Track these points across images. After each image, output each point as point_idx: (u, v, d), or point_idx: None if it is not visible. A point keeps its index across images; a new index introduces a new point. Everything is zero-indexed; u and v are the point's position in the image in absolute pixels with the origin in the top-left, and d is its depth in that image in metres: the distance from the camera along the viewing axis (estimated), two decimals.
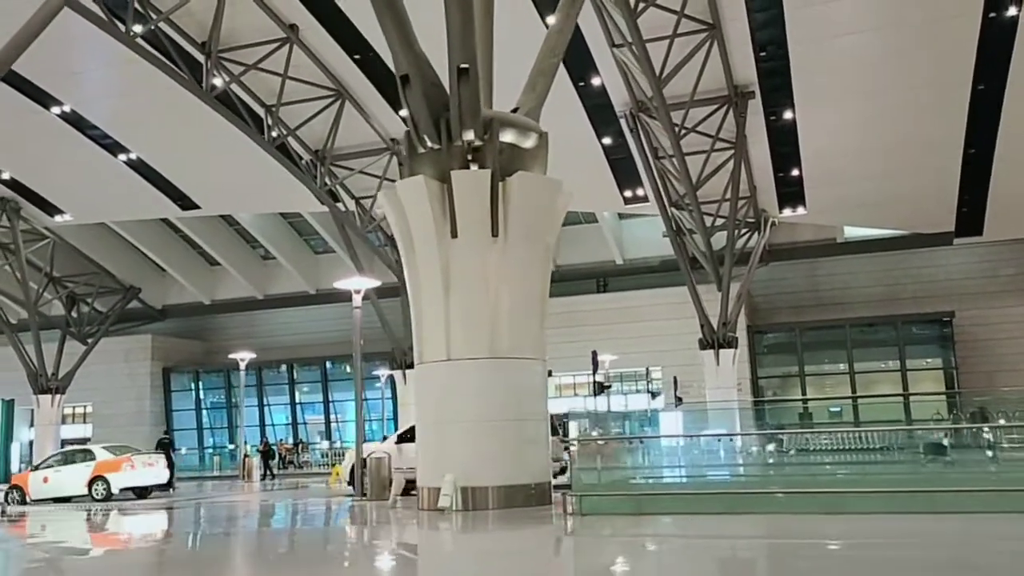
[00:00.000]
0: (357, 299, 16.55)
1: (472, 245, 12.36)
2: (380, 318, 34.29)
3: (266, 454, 32.06)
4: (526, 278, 12.53)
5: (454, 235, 12.30)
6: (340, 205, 31.39)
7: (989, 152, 27.80)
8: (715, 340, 29.70)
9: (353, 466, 17.53)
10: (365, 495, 15.75)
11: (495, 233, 12.21)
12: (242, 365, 30.07)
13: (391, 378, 39.37)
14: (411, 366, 34.61)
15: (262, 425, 43.63)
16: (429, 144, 12.50)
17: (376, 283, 17.54)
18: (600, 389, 21.81)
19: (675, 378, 27.18)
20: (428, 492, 12.52)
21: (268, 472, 31.45)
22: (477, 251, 12.36)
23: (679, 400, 25.22)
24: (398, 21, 11.98)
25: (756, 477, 16.83)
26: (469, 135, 12.06)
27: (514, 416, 12.24)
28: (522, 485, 12.06)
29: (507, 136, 12.31)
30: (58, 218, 36.30)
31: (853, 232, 34.77)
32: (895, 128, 27.28)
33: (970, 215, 31.14)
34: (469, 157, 12.21)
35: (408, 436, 21.92)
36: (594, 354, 19.80)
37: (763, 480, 16.31)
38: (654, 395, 33.40)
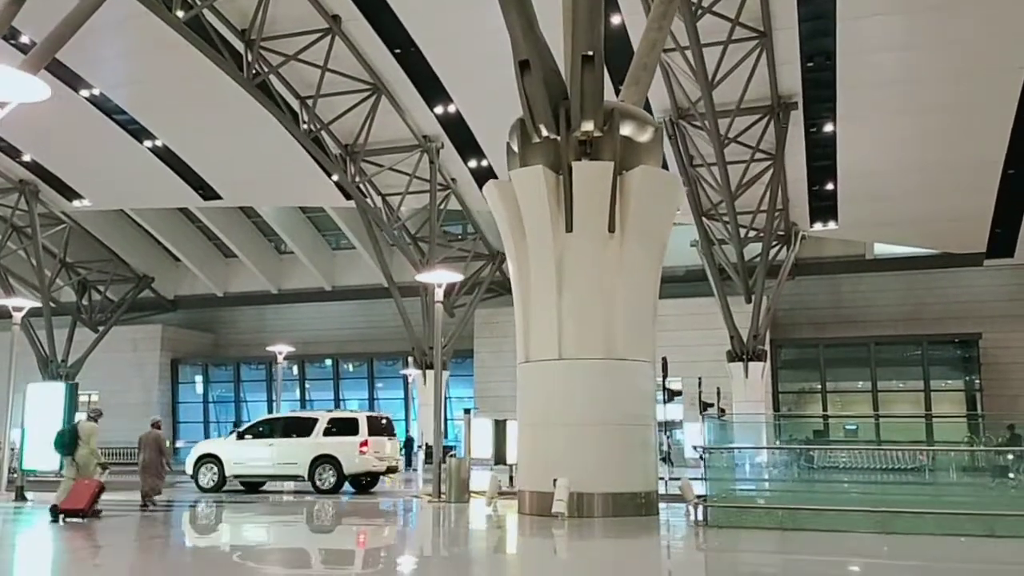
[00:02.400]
0: (439, 293, 15.99)
1: (588, 240, 11.86)
2: (402, 317, 33.84)
3: None
4: (642, 277, 12.08)
5: (569, 229, 11.79)
6: (368, 201, 30.95)
7: None
8: (744, 352, 29.34)
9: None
10: (442, 496, 15.16)
11: (612, 229, 11.75)
12: (280, 358, 29.61)
13: (404, 377, 39.01)
14: (432, 366, 34.46)
15: None
16: (544, 133, 11.95)
17: (459, 277, 16.84)
18: (671, 397, 21.28)
19: (718, 388, 26.80)
20: (530, 496, 12.01)
21: None
22: (593, 247, 11.86)
23: (722, 412, 24.82)
24: (521, 3, 11.43)
25: (866, 494, 16.05)
26: (588, 125, 11.58)
27: (626, 420, 11.76)
28: (632, 493, 11.59)
29: (625, 128, 11.85)
30: (76, 203, 35.75)
31: (881, 249, 34.48)
32: (935, 146, 27.01)
33: (1004, 236, 30.89)
34: (585, 149, 11.70)
35: (249, 432, 20.71)
36: (664, 360, 19.09)
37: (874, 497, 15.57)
38: (673, 395, 32.95)
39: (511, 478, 19.25)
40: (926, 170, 27.91)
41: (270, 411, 43.84)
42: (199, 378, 44.79)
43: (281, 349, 28.82)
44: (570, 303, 11.81)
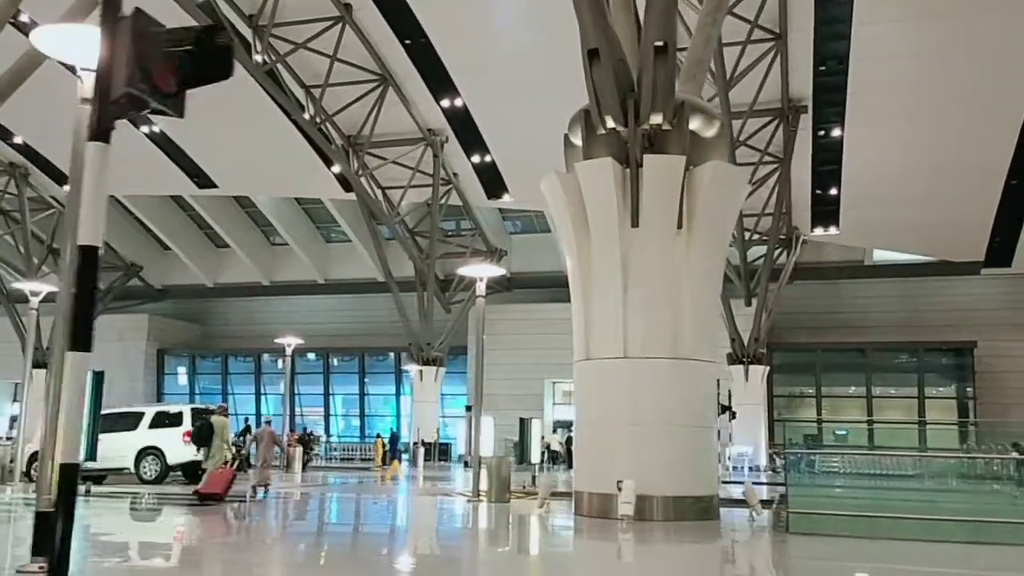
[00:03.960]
0: (481, 287, 15.56)
1: (655, 236, 11.57)
2: (400, 311, 33.45)
3: (306, 443, 30.93)
4: (707, 274, 11.80)
5: (635, 224, 11.49)
6: (368, 194, 30.55)
7: None
8: (745, 355, 29.25)
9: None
10: (481, 495, 14.81)
11: (680, 225, 11.49)
12: (288, 350, 29.24)
13: (395, 373, 38.67)
14: (429, 362, 34.16)
15: (257, 415, 42.52)
16: (610, 125, 11.63)
17: (502, 271, 16.45)
18: (723, 411, 21.00)
19: (729, 391, 26.64)
20: (589, 497, 11.70)
21: (309, 461, 30.53)
22: (660, 243, 11.56)
23: (733, 414, 24.68)
24: None
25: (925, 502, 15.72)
26: (657, 118, 11.27)
27: (690, 422, 11.47)
28: (695, 497, 11.31)
29: (694, 122, 11.57)
30: (67, 188, 34.90)
31: (880, 255, 34.56)
32: (940, 154, 27.07)
33: (1002, 245, 31.05)
34: (649, 142, 11.40)
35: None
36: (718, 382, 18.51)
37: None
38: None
39: (534, 478, 18.98)
40: (929, 177, 27.96)
41: (257, 405, 43.43)
42: (185, 369, 44.11)
43: (290, 341, 28.32)
44: (636, 300, 11.51)
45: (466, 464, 31.65)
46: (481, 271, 16.02)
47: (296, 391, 43.31)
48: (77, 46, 6.69)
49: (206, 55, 4.53)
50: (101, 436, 19.87)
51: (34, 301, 19.40)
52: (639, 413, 11.43)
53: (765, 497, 13.93)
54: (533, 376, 35.73)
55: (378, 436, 34.77)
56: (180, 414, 20.60)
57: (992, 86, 24.30)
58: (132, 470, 19.99)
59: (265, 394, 43.56)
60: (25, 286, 20.40)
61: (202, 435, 15.91)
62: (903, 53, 23.78)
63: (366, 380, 41.91)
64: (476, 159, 30.36)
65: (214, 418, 16.15)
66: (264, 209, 37.62)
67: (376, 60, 25.77)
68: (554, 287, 36.46)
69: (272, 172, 32.69)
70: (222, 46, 4.56)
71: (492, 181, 31.40)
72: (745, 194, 12.61)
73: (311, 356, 41.98)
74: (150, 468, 19.87)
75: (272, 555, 9.91)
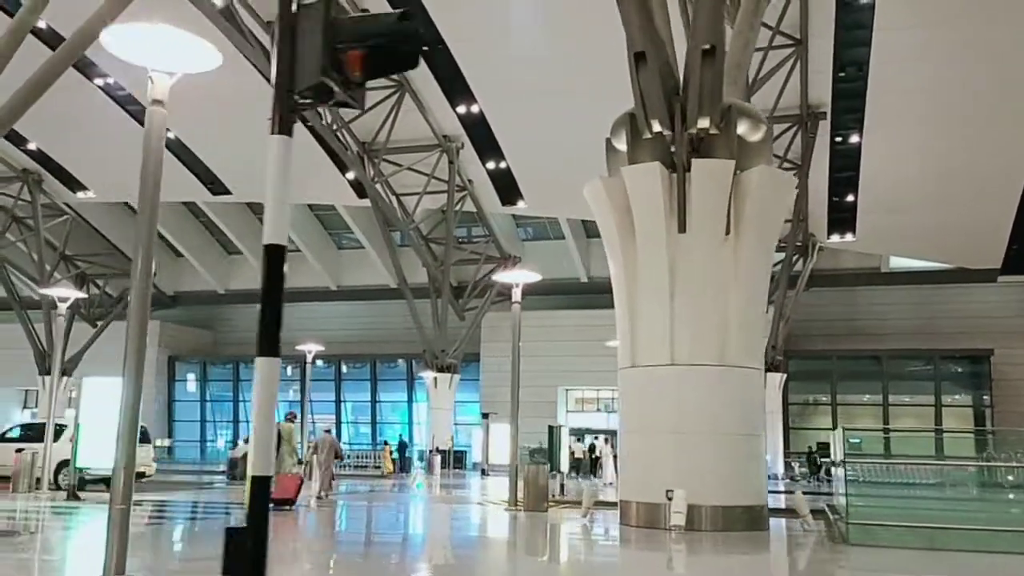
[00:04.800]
0: (517, 293, 15.37)
1: (703, 242, 11.44)
2: (413, 318, 33.33)
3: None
4: (755, 281, 11.64)
5: (682, 230, 11.37)
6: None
7: None
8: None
9: None
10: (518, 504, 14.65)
11: (728, 230, 11.36)
12: (309, 357, 29.19)
13: (408, 380, 38.56)
14: (443, 369, 34.00)
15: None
16: (656, 129, 11.51)
17: (537, 276, 16.19)
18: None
19: None
20: (637, 507, 11.54)
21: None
22: (708, 249, 11.43)
23: None
24: None
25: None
26: (705, 122, 11.15)
27: (738, 430, 11.31)
28: (744, 507, 11.13)
29: (741, 126, 11.46)
30: (80, 194, 35.03)
31: (896, 263, 34.41)
32: (957, 161, 26.94)
33: (1019, 253, 30.89)
34: (693, 147, 11.28)
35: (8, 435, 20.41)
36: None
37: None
38: None
39: (562, 486, 18.79)
40: (946, 184, 27.83)
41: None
42: (196, 376, 44.03)
43: (310, 348, 28.29)
44: (683, 307, 11.40)
45: (483, 472, 31.52)
46: (517, 277, 15.78)
47: (309, 398, 43.22)
48: (148, 47, 6.57)
49: (396, 43, 4.37)
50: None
51: (62, 307, 19.27)
52: (686, 421, 11.29)
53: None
54: (546, 384, 35.58)
55: (386, 443, 34.59)
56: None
57: (1010, 93, 24.17)
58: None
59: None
60: (53, 292, 20.27)
61: None
62: (922, 59, 23.65)
63: (378, 387, 41.81)
64: (491, 165, 30.28)
65: (282, 425, 16.39)
66: None
67: None
68: (567, 294, 36.50)
69: None
70: (412, 33, 4.38)
71: (507, 188, 31.33)
72: (792, 199, 12.46)
73: (319, 363, 41.89)
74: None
75: (398, 554, 10.51)
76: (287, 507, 14.42)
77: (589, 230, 37.24)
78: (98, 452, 13.87)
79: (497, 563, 10.47)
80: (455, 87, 26.55)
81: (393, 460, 32.17)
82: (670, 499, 10.62)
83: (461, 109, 27.68)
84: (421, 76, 26.40)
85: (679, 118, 11.16)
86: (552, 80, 24.01)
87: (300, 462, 16.27)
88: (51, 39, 22.34)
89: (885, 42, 22.90)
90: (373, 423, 41.23)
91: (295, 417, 17.93)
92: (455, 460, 33.60)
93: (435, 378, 33.46)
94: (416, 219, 31.97)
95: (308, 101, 4.45)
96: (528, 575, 9.66)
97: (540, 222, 37.34)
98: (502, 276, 17.33)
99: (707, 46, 10.73)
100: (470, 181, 31.49)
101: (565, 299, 36.20)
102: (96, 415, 14.50)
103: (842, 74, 24.67)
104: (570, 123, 25.74)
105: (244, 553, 3.77)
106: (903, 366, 34.92)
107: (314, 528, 13.37)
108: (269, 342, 4.20)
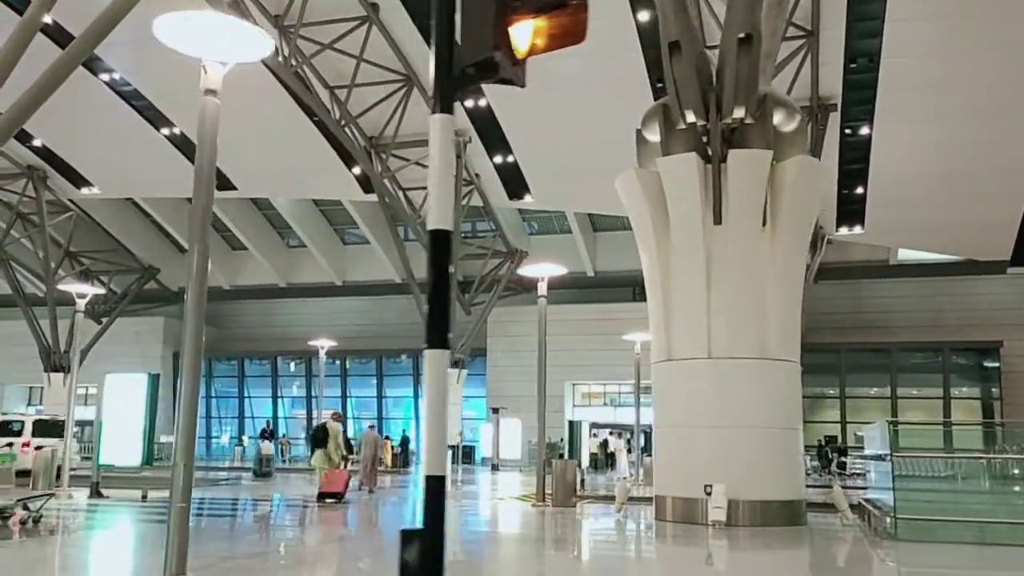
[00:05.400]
0: (542, 287, 15.19)
1: (739, 234, 11.24)
2: (420, 313, 33.10)
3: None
4: (791, 272, 11.53)
5: (718, 221, 11.16)
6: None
7: None
8: None
9: None
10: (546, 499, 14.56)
11: (764, 221, 11.17)
12: (322, 353, 28.96)
13: (414, 376, 38.37)
14: (451, 364, 33.80)
15: (274, 417, 42.37)
16: (691, 119, 11.34)
17: (563, 270, 16.03)
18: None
19: None
20: (673, 502, 11.39)
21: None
22: (744, 240, 11.23)
23: None
24: None
25: None
26: (740, 112, 10.98)
27: (777, 424, 11.21)
28: (783, 502, 11.00)
29: (776, 116, 11.28)
30: (84, 191, 34.86)
31: (905, 255, 34.28)
32: (966, 152, 26.80)
33: None
34: (725, 138, 11.11)
35: None
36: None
37: None
38: None
39: (582, 481, 18.70)
40: (956, 176, 27.68)
41: (273, 409, 43.16)
42: (201, 372, 43.86)
43: (323, 343, 28.06)
44: (720, 299, 11.20)
45: (494, 467, 31.45)
46: (543, 271, 15.61)
47: (313, 393, 43.15)
48: (201, 37, 6.48)
49: (564, 18, 4.13)
50: None
51: (80, 303, 19.28)
52: (724, 415, 11.10)
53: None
54: (553, 378, 35.35)
55: (387, 438, 34.43)
56: (22, 422, 21.20)
57: (1022, 85, 24.02)
58: None
59: (281, 397, 43.37)
60: (72, 288, 20.26)
61: (317, 438, 17.37)
62: (934, 51, 23.49)
63: (383, 382, 41.71)
64: (498, 159, 30.13)
65: (329, 423, 17.45)
66: (282, 211, 37.43)
67: (401, 60, 25.54)
68: (573, 288, 36.34)
69: (292, 174, 32.48)
70: (580, 7, 4.13)
71: (514, 182, 31.20)
72: (825, 189, 12.32)
73: (324, 358, 41.75)
74: None
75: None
76: (337, 500, 15.26)
77: (596, 224, 37.11)
78: (123, 449, 13.76)
79: (561, 557, 10.42)
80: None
81: (395, 455, 32.04)
82: (709, 494, 10.52)
83: (469, 103, 27.52)
84: (429, 70, 26.22)
85: (714, 108, 10.99)
86: (560, 74, 23.82)
87: (345, 458, 17.26)
88: (57, 35, 22.19)
89: (897, 34, 22.73)
90: (380, 418, 41.12)
91: (340, 417, 18.87)
92: (464, 455, 33.50)
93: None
94: (423, 214, 31.79)
95: (472, 78, 4.14)
96: (595, 570, 9.58)
97: (546, 216, 37.19)
98: (525, 270, 17.17)
99: (743, 34, 10.55)
100: (477, 175, 31.35)
101: (572, 293, 36.03)
102: (120, 412, 14.40)
103: (853, 65, 24.50)
104: (578, 117, 25.61)
105: (420, 554, 3.61)
106: (912, 359, 34.81)
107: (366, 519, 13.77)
108: (439, 333, 3.88)
